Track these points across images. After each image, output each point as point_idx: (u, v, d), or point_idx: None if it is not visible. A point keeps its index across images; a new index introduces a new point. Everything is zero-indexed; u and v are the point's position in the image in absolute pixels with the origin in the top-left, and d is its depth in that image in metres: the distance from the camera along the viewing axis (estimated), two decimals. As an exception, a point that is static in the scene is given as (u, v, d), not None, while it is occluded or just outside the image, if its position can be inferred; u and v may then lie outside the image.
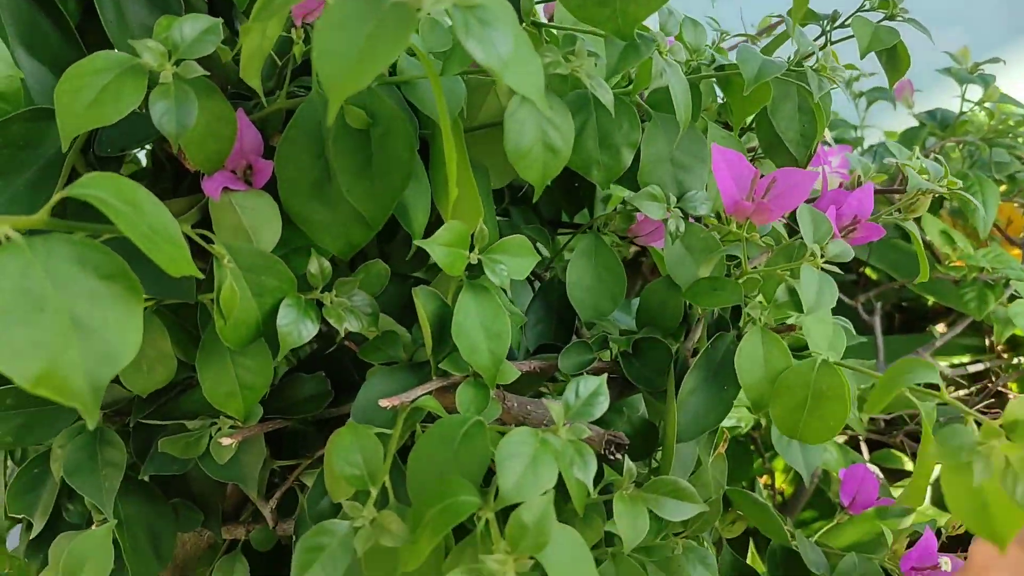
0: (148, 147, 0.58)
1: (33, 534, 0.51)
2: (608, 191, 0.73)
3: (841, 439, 1.03)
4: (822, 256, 0.46)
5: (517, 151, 0.40)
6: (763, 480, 1.09)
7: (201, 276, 0.35)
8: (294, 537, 0.51)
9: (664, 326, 0.51)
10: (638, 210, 0.50)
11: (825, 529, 0.71)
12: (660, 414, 0.50)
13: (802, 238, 0.46)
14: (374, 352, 0.49)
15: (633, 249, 1.13)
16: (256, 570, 0.63)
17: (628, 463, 0.45)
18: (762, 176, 0.46)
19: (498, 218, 0.65)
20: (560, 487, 0.42)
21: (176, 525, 0.53)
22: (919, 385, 0.45)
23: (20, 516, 0.51)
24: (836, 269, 0.47)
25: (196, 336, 0.47)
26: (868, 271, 1.24)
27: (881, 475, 0.82)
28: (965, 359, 1.14)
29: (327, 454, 0.43)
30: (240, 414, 0.46)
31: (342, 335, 0.52)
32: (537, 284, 0.62)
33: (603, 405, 0.41)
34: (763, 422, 0.91)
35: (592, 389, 0.41)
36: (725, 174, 0.46)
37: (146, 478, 0.52)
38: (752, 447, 1.05)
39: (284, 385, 0.51)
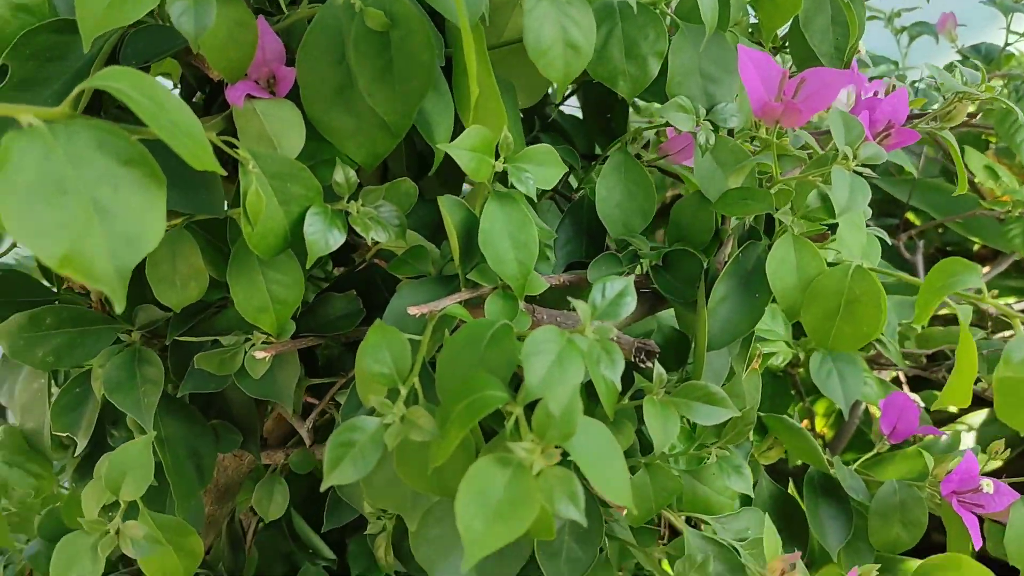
0: (177, 85, 0.59)
1: (78, 452, 0.52)
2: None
3: (887, 376, 1.02)
4: (854, 159, 0.45)
5: (538, 48, 0.40)
6: (804, 424, 1.08)
7: (224, 173, 0.35)
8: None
9: (695, 241, 0.51)
10: (668, 125, 0.50)
11: (865, 458, 0.70)
12: (692, 326, 0.49)
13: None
14: (403, 266, 0.49)
15: (671, 194, 1.12)
16: (296, 496, 0.64)
17: (659, 368, 0.45)
18: (791, 78, 0.45)
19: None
20: (591, 393, 0.42)
21: (216, 445, 0.54)
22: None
23: (66, 435, 0.52)
24: (870, 172, 0.46)
25: (228, 254, 0.47)
26: (911, 216, 1.22)
27: (923, 404, 0.81)
28: (1011, 300, 1.11)
29: (357, 357, 0.43)
30: (273, 328, 0.47)
31: (371, 249, 0.52)
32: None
33: (629, 306, 0.41)
34: (802, 356, 0.90)
35: (618, 290, 0.41)
36: (752, 75, 0.45)
37: (186, 399, 0.53)
38: (793, 391, 1.04)
39: (316, 304, 0.52)
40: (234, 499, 0.64)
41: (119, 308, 0.30)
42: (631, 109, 0.75)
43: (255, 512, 0.68)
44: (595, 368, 0.39)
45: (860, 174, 0.46)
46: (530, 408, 0.37)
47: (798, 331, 0.81)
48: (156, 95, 0.33)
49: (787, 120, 0.45)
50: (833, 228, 0.50)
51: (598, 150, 0.70)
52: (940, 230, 1.14)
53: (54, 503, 0.69)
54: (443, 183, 0.59)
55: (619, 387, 0.40)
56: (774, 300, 0.47)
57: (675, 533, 0.51)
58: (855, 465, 0.68)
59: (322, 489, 0.38)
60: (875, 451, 0.69)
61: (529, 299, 0.47)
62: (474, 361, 0.40)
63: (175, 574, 0.48)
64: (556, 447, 0.35)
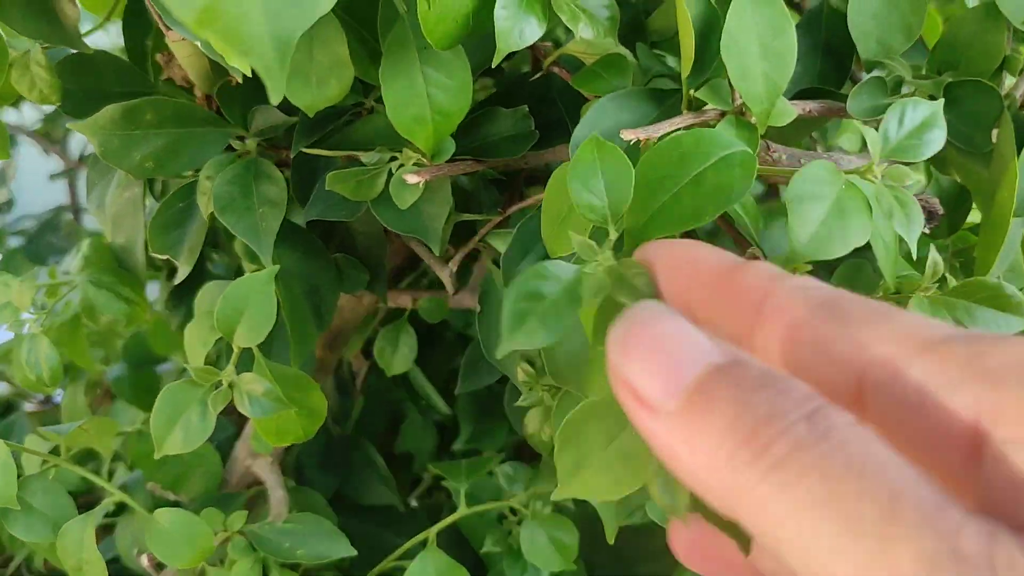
0: None
1: (178, 279, 0.44)
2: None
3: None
4: None
5: None
6: None
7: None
8: (478, 308, 0.42)
9: (976, 70, 0.39)
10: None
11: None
12: (980, 184, 0.38)
13: None
14: (594, 80, 0.38)
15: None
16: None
17: (933, 254, 0.34)
18: None
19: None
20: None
21: (339, 284, 0.45)
22: None
23: (164, 257, 0.43)
24: None
25: (375, 50, 0.37)
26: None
27: None
28: None
29: (548, 191, 0.33)
30: (428, 145, 0.36)
31: (549, 54, 0.41)
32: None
33: (936, 142, 0.30)
34: None
35: (923, 118, 0.30)
36: None
37: (303, 225, 0.43)
38: None
39: (478, 120, 0.41)
40: (347, 344, 0.56)
41: (275, 96, 0.21)
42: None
43: (367, 356, 0.60)
44: (886, 224, 0.29)
45: None
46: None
47: None
48: None
49: None
50: None
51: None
52: None
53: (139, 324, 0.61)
54: None
55: (915, 251, 0.29)
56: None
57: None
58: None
59: (499, 356, 0.29)
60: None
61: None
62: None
63: (292, 435, 0.40)
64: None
